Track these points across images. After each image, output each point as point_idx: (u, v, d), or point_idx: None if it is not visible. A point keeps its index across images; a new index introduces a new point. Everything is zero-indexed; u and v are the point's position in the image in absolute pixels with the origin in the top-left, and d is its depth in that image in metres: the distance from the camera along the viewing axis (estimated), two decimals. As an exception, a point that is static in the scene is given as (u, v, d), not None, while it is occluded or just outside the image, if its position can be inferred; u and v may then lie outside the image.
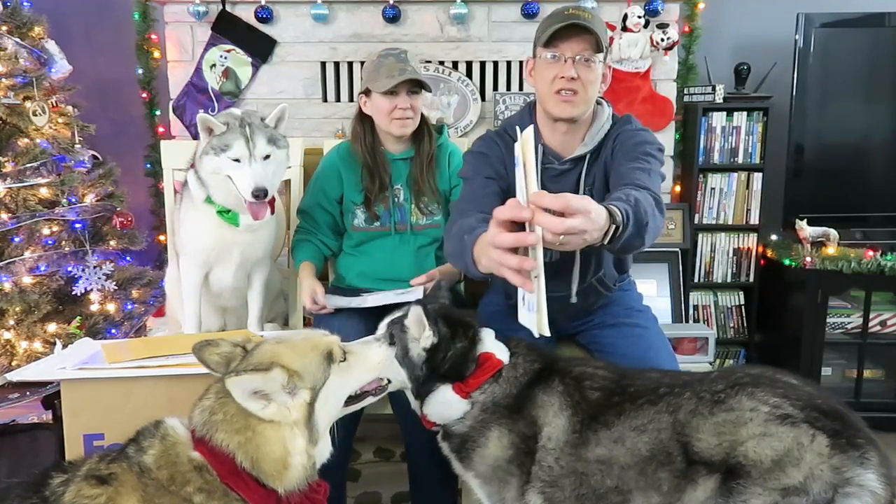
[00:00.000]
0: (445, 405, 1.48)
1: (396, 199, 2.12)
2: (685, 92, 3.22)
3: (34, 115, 2.33)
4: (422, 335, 1.46)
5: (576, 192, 1.67)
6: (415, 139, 2.13)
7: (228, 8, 3.00)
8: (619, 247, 1.34)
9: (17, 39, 2.35)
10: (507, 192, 1.66)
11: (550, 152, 1.75)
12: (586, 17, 1.62)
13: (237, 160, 1.83)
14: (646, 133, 1.73)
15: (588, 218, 1.16)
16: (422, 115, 2.12)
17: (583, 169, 1.73)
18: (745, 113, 3.13)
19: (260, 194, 1.82)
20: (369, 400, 1.38)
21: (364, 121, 2.11)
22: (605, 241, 1.28)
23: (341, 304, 1.98)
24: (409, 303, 1.53)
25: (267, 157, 1.86)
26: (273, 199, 2.03)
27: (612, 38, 3.05)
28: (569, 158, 1.74)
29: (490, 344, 1.52)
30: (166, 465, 1.14)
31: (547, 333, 1.10)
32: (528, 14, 3.00)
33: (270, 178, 1.86)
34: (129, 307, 2.47)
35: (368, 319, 1.94)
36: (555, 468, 1.36)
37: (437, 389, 1.48)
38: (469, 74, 3.09)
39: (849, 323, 3.01)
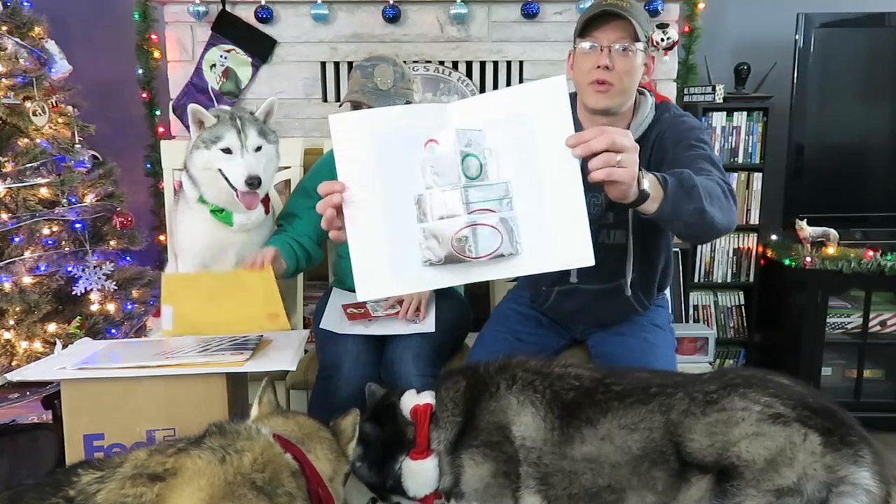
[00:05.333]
0: (420, 474, 1.47)
1: None
2: (685, 92, 3.21)
3: (34, 115, 2.33)
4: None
5: None
6: None
7: (228, 8, 3.00)
8: (671, 209, 1.30)
9: (17, 39, 2.35)
10: None
11: None
12: (623, 6, 1.58)
13: (228, 151, 1.84)
14: (690, 117, 1.71)
15: (627, 137, 1.18)
16: None
17: None
18: (745, 113, 3.14)
19: (253, 182, 1.82)
20: None
21: None
22: (642, 188, 1.26)
23: (346, 331, 1.96)
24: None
25: (258, 148, 1.88)
26: (268, 199, 2.03)
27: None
28: None
29: (412, 399, 1.52)
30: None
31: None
32: (528, 14, 3.00)
33: (262, 169, 1.86)
34: (129, 307, 2.47)
35: (373, 342, 1.96)
36: (541, 466, 1.36)
37: (402, 469, 1.48)
38: (469, 74, 3.09)
39: (849, 323, 3.00)
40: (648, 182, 1.27)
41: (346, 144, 1.25)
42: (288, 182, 2.37)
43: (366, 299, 1.25)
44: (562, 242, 1.20)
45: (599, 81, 1.58)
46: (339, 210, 1.26)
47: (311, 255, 2.08)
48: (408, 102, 1.99)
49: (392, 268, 1.24)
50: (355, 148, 1.24)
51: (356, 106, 1.98)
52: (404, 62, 2.99)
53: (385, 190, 1.24)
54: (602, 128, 1.19)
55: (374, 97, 1.94)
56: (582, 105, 1.69)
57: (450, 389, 1.50)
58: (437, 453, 1.47)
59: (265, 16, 2.98)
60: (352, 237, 1.25)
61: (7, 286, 2.24)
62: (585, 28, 1.62)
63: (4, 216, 2.26)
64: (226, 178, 1.86)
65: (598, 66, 1.58)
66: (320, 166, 2.17)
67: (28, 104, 2.34)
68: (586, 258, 1.19)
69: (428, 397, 1.51)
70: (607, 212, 1.70)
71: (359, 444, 1.43)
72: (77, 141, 2.46)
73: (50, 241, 2.34)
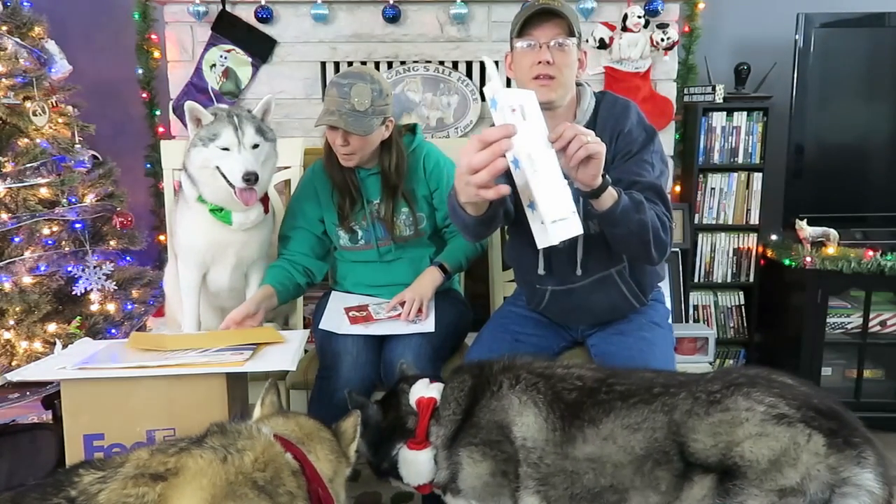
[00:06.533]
0: (414, 464, 1.49)
1: (378, 215, 2.07)
2: (685, 92, 3.22)
3: (34, 115, 2.33)
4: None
5: None
6: (380, 153, 2.04)
7: (228, 8, 3.00)
8: (620, 212, 1.48)
9: (17, 39, 2.34)
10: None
11: None
12: (556, 5, 1.66)
13: (226, 149, 1.84)
14: (638, 122, 1.76)
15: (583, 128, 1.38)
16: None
17: None
18: (745, 113, 3.13)
19: (250, 178, 1.83)
20: None
21: None
22: (600, 187, 1.44)
23: (346, 331, 1.96)
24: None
25: (255, 146, 1.88)
26: (267, 199, 2.03)
27: (612, 38, 3.05)
28: None
29: (421, 389, 1.54)
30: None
31: (551, 242, 1.31)
32: (528, 14, 3.00)
33: (260, 166, 1.86)
34: (129, 307, 2.47)
35: (372, 342, 1.96)
36: (541, 466, 1.36)
37: (398, 456, 1.50)
38: (469, 74, 3.09)
39: (849, 323, 3.00)
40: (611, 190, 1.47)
41: (502, 95, 1.30)
42: (288, 182, 2.37)
43: (556, 242, 1.33)
44: (569, 213, 1.35)
45: (542, 76, 1.66)
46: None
47: (312, 271, 2.09)
48: (385, 118, 1.96)
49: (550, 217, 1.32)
50: (504, 100, 1.31)
51: (332, 129, 1.95)
52: (402, 62, 3.04)
53: (521, 145, 1.31)
54: (565, 123, 1.38)
55: (352, 119, 1.89)
56: None
57: (455, 388, 1.51)
58: (434, 447, 1.48)
59: (265, 16, 2.98)
60: (535, 183, 1.29)
61: (7, 286, 2.24)
62: (523, 28, 1.68)
63: (4, 216, 2.25)
64: (223, 176, 1.87)
65: (539, 62, 1.65)
66: (302, 186, 2.16)
67: (28, 104, 2.33)
68: (579, 226, 1.34)
69: (435, 391, 1.52)
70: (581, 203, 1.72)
71: (361, 423, 1.44)
72: (77, 141, 2.46)
73: (50, 241, 2.33)
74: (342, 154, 1.99)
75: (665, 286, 3.11)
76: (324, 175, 2.09)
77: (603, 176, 1.44)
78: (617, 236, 1.60)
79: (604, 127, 1.72)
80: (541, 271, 1.82)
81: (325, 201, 2.10)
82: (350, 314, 2.01)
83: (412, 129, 2.15)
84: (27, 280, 2.28)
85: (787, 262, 2.96)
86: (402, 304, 1.98)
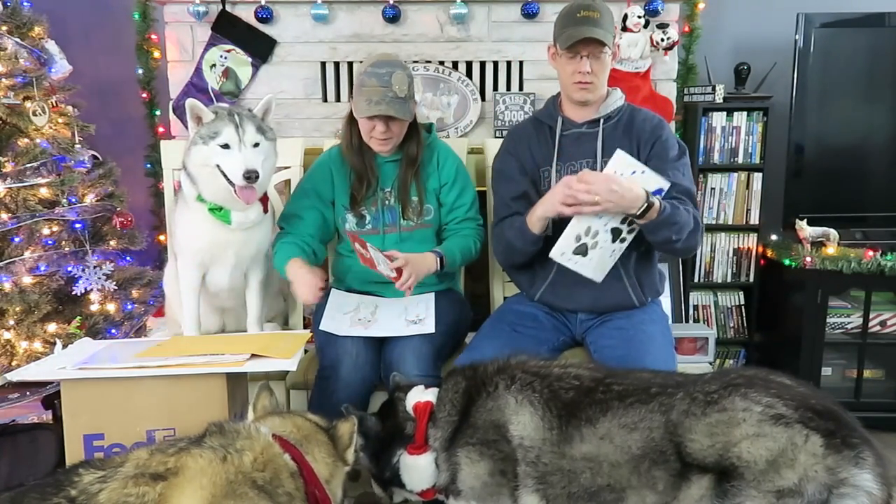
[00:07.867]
0: (415, 469, 1.51)
1: (387, 202, 2.10)
2: (685, 92, 3.21)
3: (34, 115, 2.33)
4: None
5: (595, 154, 1.99)
6: (402, 142, 2.09)
7: (228, 8, 2.99)
8: (651, 227, 1.78)
9: (17, 39, 2.35)
10: (533, 174, 2.03)
11: (569, 121, 2.03)
12: (595, 18, 1.87)
13: (226, 146, 1.84)
14: (670, 132, 2.01)
15: (613, 191, 1.71)
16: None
17: (598, 134, 1.99)
18: (745, 113, 3.13)
19: (251, 176, 1.83)
20: None
21: (353, 123, 2.08)
22: (642, 212, 1.74)
23: (346, 332, 1.95)
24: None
25: (256, 144, 1.88)
26: (266, 198, 2.03)
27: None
28: (583, 122, 2.01)
29: (416, 395, 1.55)
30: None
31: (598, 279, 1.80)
32: (528, 14, 3.00)
33: (260, 165, 1.87)
34: (129, 307, 2.47)
35: (372, 342, 1.96)
36: (539, 465, 1.37)
37: (399, 463, 1.52)
38: (469, 74, 3.09)
39: (849, 323, 3.00)
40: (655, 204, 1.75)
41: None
42: (288, 182, 2.38)
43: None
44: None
45: (581, 82, 1.93)
46: None
47: (316, 254, 2.10)
48: (413, 100, 2.04)
49: None
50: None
51: (369, 118, 1.96)
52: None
53: None
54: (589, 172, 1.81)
55: (397, 106, 1.95)
56: (566, 97, 2.03)
57: (449, 390, 1.52)
58: (433, 450, 1.49)
59: (265, 16, 2.98)
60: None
61: (7, 286, 2.24)
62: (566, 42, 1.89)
63: (4, 216, 2.26)
64: (223, 174, 1.87)
65: (580, 72, 1.91)
66: (318, 167, 2.17)
67: (28, 104, 2.34)
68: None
69: (430, 395, 1.54)
70: None
71: (360, 434, 1.45)
72: (77, 141, 2.46)
73: (50, 241, 2.34)
74: (381, 140, 2.01)
75: (665, 286, 3.13)
76: (341, 159, 2.12)
77: (646, 202, 1.73)
78: (649, 237, 1.85)
79: (641, 131, 1.99)
80: (549, 232, 1.91)
81: (340, 183, 2.12)
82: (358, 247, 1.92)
83: (428, 128, 2.20)
84: (27, 280, 2.28)
85: (787, 262, 2.96)
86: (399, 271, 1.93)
